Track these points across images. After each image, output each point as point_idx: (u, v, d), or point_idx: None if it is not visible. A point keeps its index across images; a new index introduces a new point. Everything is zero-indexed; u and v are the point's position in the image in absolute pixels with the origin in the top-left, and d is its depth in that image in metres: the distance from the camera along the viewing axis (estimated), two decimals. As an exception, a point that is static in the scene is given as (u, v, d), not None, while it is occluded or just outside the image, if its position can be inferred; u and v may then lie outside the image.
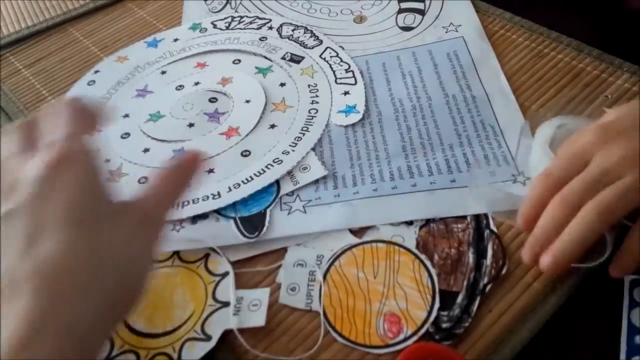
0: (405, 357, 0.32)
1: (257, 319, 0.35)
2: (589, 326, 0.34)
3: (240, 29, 0.57)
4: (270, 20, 0.58)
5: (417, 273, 0.36)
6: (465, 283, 0.35)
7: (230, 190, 0.42)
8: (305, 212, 0.40)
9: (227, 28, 0.58)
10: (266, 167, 0.43)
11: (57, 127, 0.28)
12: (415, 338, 0.33)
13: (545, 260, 0.33)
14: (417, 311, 0.34)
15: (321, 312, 0.35)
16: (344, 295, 0.36)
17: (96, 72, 0.55)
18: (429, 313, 0.34)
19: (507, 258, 0.36)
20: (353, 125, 0.46)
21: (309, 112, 0.48)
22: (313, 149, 0.44)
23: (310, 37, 0.55)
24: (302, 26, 0.57)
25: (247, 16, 0.59)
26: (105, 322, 0.26)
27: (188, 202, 0.41)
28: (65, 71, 0.56)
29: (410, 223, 0.39)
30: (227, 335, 0.34)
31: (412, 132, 0.45)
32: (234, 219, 0.40)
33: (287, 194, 0.42)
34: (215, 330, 0.34)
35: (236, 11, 0.60)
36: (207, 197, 0.42)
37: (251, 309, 0.35)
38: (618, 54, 0.48)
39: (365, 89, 0.49)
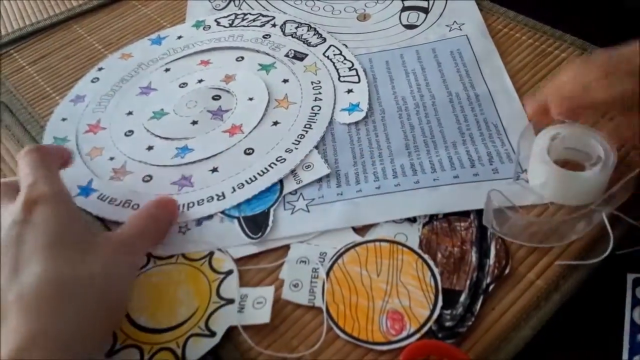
0: (408, 353, 0.32)
1: (262, 316, 0.35)
2: (591, 324, 0.34)
3: (244, 26, 0.57)
4: (274, 17, 0.58)
5: (420, 272, 0.36)
6: (468, 282, 0.35)
7: (234, 190, 0.42)
8: (308, 211, 0.40)
9: (231, 25, 0.58)
10: (269, 165, 0.43)
11: (26, 175, 0.35)
12: (418, 336, 0.33)
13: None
14: (420, 309, 0.35)
15: (324, 309, 0.35)
16: (346, 292, 0.36)
17: (100, 69, 0.55)
18: (432, 311, 0.34)
19: (510, 257, 0.36)
20: (356, 123, 0.46)
21: (312, 109, 0.48)
22: (316, 147, 0.44)
23: (314, 35, 0.55)
24: (306, 24, 0.57)
25: (250, 14, 0.59)
26: (92, 331, 0.31)
27: (193, 203, 0.42)
28: (69, 68, 0.56)
29: (413, 220, 0.39)
30: (231, 331, 0.35)
31: (416, 130, 0.45)
32: (238, 218, 0.40)
33: (290, 193, 0.42)
34: (220, 327, 0.35)
35: (240, 9, 0.60)
36: (212, 198, 0.42)
37: (255, 307, 0.35)
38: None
39: (369, 87, 0.49)
